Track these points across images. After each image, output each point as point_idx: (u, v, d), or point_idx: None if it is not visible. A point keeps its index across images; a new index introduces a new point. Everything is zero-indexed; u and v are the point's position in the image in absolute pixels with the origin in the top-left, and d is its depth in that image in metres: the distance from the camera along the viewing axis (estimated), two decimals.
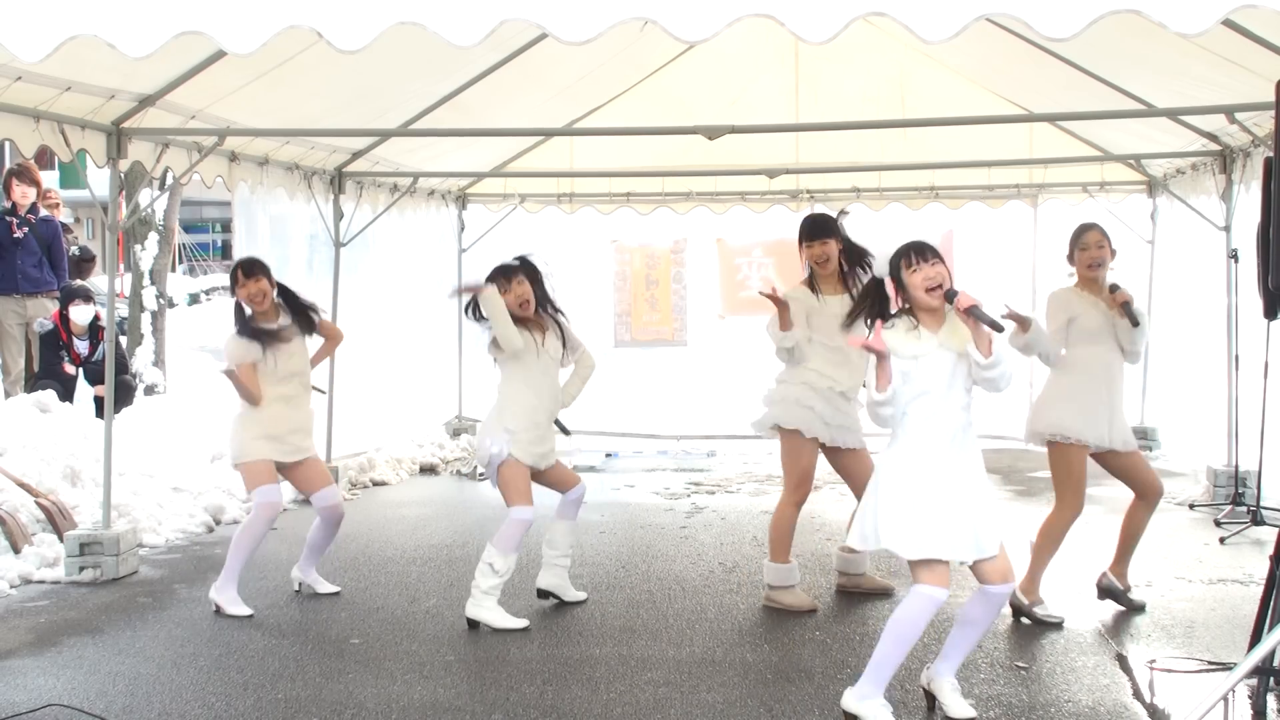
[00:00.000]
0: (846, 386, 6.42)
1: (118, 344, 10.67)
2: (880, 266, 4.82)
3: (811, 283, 6.50)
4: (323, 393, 7.01)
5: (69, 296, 10.33)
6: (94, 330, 10.38)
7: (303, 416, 6.55)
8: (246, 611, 6.30)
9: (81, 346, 10.38)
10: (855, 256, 6.41)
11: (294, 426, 6.47)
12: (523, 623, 6.00)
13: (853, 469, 6.44)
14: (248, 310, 6.40)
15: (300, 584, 6.77)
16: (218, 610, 6.31)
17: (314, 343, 6.71)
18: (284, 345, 6.40)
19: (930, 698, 4.82)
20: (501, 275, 6.09)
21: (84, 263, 11.30)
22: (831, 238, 6.40)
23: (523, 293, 6.09)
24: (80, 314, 10.28)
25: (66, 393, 10.02)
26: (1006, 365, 4.74)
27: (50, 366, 10.24)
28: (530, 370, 6.10)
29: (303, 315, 6.55)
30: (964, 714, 4.66)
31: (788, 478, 6.47)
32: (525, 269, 6.17)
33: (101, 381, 9.62)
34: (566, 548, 6.51)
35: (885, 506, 4.55)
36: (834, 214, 6.65)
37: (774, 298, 6.29)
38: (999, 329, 4.65)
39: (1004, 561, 4.59)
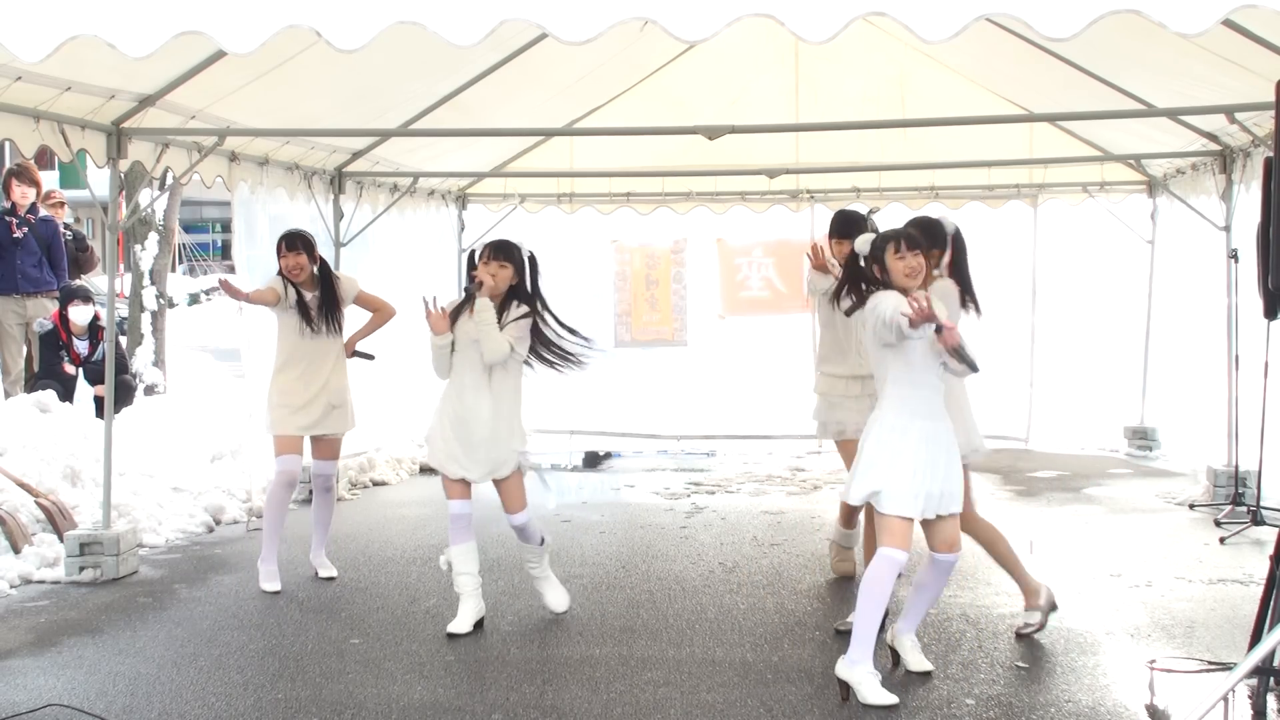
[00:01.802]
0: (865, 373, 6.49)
1: (118, 344, 10.67)
2: (861, 246, 5.19)
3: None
4: (371, 358, 7.16)
5: (68, 297, 10.34)
6: (94, 330, 10.38)
7: (320, 390, 6.84)
8: (273, 588, 6.75)
9: (81, 346, 10.38)
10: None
11: (310, 399, 6.82)
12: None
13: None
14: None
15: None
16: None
17: (362, 316, 7.18)
18: (310, 318, 6.81)
19: (895, 654, 5.36)
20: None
21: (81, 253, 11.26)
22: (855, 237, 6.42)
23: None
24: (80, 314, 10.28)
25: (67, 393, 10.02)
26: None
27: (50, 366, 10.24)
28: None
29: (328, 299, 6.89)
30: (922, 667, 5.28)
31: None
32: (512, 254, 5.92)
33: (101, 381, 9.62)
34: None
35: (876, 465, 5.00)
36: (864, 210, 6.73)
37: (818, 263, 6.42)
38: (975, 370, 4.98)
39: (954, 533, 5.10)
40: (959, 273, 5.66)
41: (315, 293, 6.88)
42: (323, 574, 7.07)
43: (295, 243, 6.84)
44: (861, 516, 6.81)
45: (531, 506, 6.16)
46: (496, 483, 6.03)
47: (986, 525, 5.83)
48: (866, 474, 5.03)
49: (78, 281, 10.97)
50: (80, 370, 10.39)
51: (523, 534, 6.14)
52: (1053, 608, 5.91)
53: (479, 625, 5.99)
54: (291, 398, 6.82)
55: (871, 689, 4.89)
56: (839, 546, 6.98)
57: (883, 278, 5.03)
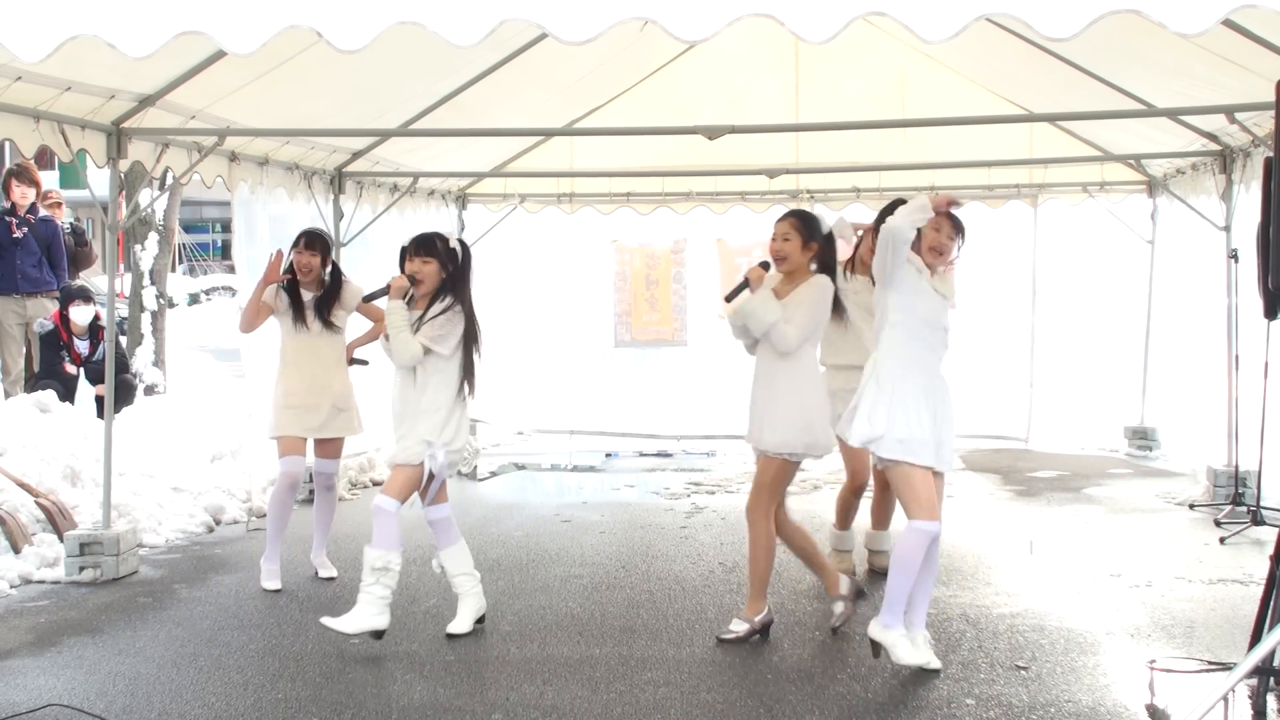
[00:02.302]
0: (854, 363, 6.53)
1: (118, 344, 10.67)
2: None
3: (852, 262, 6.80)
4: (365, 364, 7.16)
5: (69, 297, 10.34)
6: (94, 330, 10.38)
7: (324, 393, 6.84)
8: (274, 586, 6.78)
9: (82, 346, 10.39)
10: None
11: (314, 401, 6.82)
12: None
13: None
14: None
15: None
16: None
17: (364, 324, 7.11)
18: (308, 320, 6.80)
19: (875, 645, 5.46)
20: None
21: (80, 249, 11.26)
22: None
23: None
24: (80, 314, 10.28)
25: (68, 393, 10.02)
26: None
27: (51, 367, 10.24)
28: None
29: (325, 299, 6.85)
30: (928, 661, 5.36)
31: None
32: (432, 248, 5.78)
33: (103, 381, 9.62)
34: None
35: (878, 408, 5.20)
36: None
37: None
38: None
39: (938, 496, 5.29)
40: (828, 271, 5.82)
41: (315, 293, 6.87)
42: (323, 574, 7.08)
43: (313, 243, 6.87)
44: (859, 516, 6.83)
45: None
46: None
47: (795, 527, 5.90)
48: (869, 417, 5.22)
49: (78, 282, 10.97)
50: (81, 370, 10.39)
51: (376, 525, 5.75)
52: (858, 594, 6.02)
53: (480, 622, 5.98)
54: (294, 399, 6.82)
55: (904, 649, 5.22)
56: (835, 550, 6.98)
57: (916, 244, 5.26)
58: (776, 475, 5.73)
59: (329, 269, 6.92)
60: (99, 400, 10.08)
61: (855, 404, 5.34)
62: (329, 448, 7.01)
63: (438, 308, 5.69)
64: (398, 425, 5.82)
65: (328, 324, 6.87)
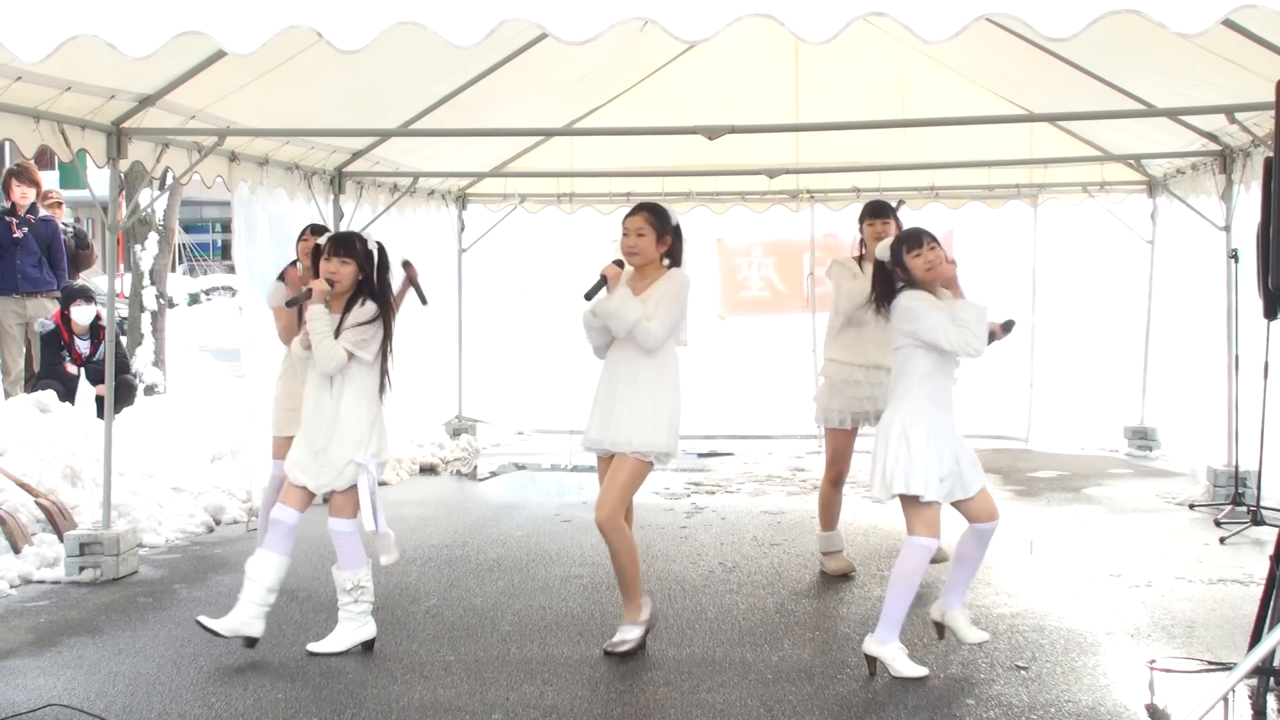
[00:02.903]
0: (875, 362, 6.62)
1: (118, 344, 10.67)
2: (881, 252, 5.47)
3: (861, 260, 6.80)
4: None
5: (70, 297, 10.34)
6: (95, 330, 10.38)
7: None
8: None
9: (83, 346, 10.39)
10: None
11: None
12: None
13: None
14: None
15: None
16: None
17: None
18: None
19: (940, 628, 5.55)
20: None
21: (81, 250, 11.26)
22: (892, 219, 6.69)
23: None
24: (81, 314, 10.28)
25: (68, 393, 10.02)
26: None
27: (52, 366, 10.24)
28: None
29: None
30: (976, 638, 5.43)
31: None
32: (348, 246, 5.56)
33: (103, 381, 9.62)
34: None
35: (907, 457, 5.16)
36: (892, 203, 6.92)
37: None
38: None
39: (985, 505, 5.32)
40: (677, 264, 5.71)
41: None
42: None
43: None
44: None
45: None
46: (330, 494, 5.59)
47: (627, 535, 5.60)
48: (893, 473, 5.19)
49: (79, 282, 10.97)
50: (82, 370, 10.39)
51: (340, 549, 5.58)
52: (650, 627, 5.70)
53: (368, 648, 5.63)
54: (296, 400, 6.76)
55: (902, 662, 5.21)
56: (824, 553, 7.01)
57: (905, 277, 5.32)
58: (636, 477, 5.53)
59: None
60: (99, 400, 10.08)
61: (881, 459, 5.22)
62: None
63: (361, 313, 5.48)
64: (311, 439, 5.53)
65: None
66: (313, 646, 5.59)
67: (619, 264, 5.51)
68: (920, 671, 5.19)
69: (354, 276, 5.50)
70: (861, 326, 6.68)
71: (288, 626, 6.08)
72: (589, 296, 5.48)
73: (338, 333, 5.46)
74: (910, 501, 5.20)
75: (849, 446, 6.95)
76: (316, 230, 6.81)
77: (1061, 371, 11.93)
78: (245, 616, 5.51)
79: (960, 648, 5.66)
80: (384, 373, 5.63)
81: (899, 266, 5.34)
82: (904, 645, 5.26)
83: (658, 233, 5.52)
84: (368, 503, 5.57)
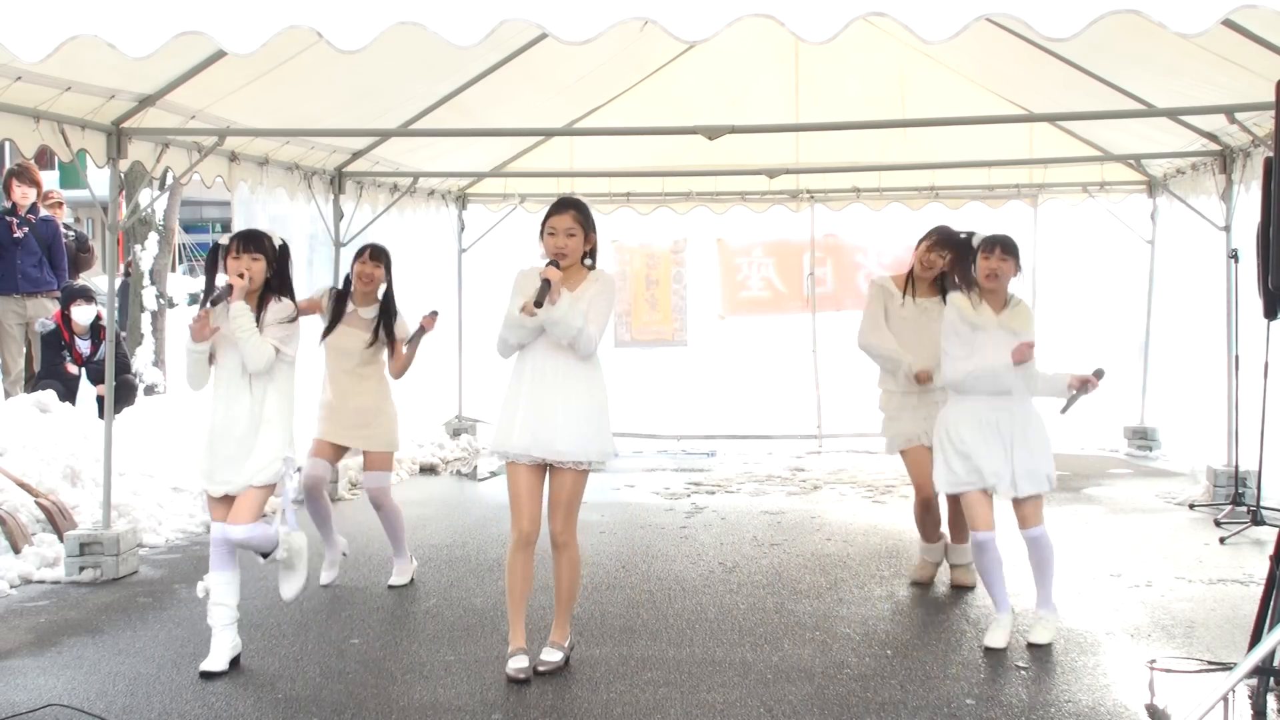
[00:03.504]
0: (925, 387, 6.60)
1: (119, 344, 10.66)
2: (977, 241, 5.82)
3: (910, 279, 6.72)
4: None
5: (70, 297, 10.33)
6: (96, 330, 10.38)
7: (354, 405, 6.78)
8: (326, 579, 6.79)
9: (83, 346, 10.38)
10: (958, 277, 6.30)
11: (350, 409, 6.77)
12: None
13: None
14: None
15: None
16: None
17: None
18: (346, 328, 6.74)
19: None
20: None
21: (82, 253, 11.26)
22: (951, 254, 6.39)
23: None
24: (82, 314, 10.28)
25: (69, 393, 10.02)
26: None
27: (52, 366, 10.24)
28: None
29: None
30: (1043, 639, 5.71)
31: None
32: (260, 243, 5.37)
33: (104, 381, 9.62)
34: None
35: (954, 453, 5.71)
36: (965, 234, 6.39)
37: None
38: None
39: (1031, 511, 5.74)
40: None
41: (371, 309, 6.83)
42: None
43: (380, 255, 6.86)
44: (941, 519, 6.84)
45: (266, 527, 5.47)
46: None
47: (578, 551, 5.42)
48: (941, 468, 5.82)
49: (80, 281, 10.97)
50: (83, 370, 10.39)
51: (244, 548, 5.41)
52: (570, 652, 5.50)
53: (235, 663, 5.44)
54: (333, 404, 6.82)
55: (994, 633, 5.69)
56: (923, 560, 6.92)
57: (961, 272, 5.82)
58: (582, 488, 5.29)
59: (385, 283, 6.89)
60: (100, 400, 10.08)
61: (935, 457, 5.90)
62: (373, 460, 6.86)
63: (281, 310, 5.35)
64: (224, 445, 5.31)
65: (376, 344, 6.83)
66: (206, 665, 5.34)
67: (555, 265, 5.16)
68: (999, 643, 5.63)
69: (265, 273, 5.33)
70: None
71: (287, 626, 6.09)
72: (538, 304, 5.03)
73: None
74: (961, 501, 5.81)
75: (925, 465, 6.48)
76: (376, 254, 6.83)
77: (1062, 372, 11.92)
78: (229, 638, 5.41)
79: (961, 648, 5.66)
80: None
81: (969, 257, 5.74)
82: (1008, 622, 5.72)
83: (585, 231, 5.24)
84: (289, 501, 5.58)
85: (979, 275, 5.67)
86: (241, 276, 5.25)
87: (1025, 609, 6.04)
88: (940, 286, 6.63)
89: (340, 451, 6.94)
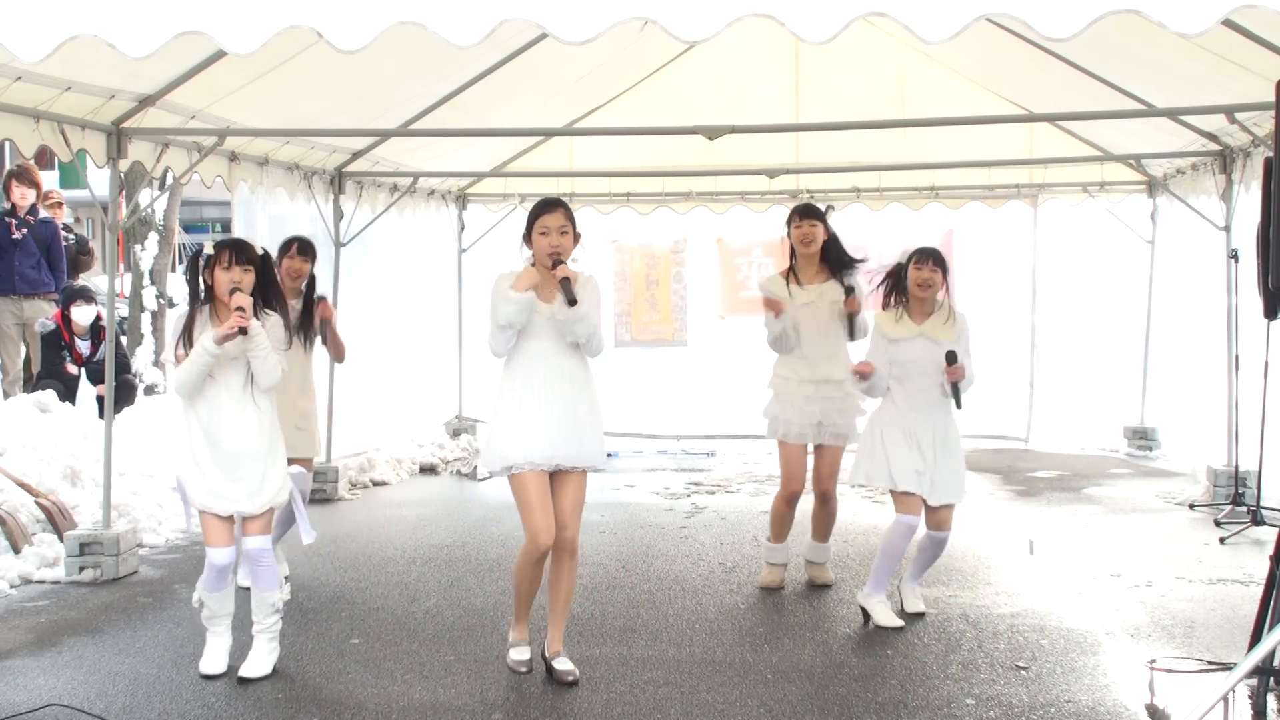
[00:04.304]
0: (812, 377, 6.57)
1: (119, 344, 10.66)
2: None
3: (791, 270, 6.67)
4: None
5: (70, 297, 10.34)
6: (96, 330, 10.38)
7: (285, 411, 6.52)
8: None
9: (83, 346, 10.39)
10: (836, 254, 6.61)
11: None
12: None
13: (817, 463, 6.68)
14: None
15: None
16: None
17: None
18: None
19: (866, 615, 6.08)
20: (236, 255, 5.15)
21: (82, 255, 11.26)
22: (820, 221, 6.58)
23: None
24: (82, 314, 10.28)
25: (69, 393, 10.02)
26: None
27: (52, 367, 10.25)
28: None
29: (307, 315, 6.65)
30: (915, 609, 6.16)
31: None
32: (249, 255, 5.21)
33: (104, 381, 9.62)
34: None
35: (884, 452, 5.93)
36: (821, 206, 6.79)
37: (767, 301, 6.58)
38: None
39: (945, 517, 6.00)
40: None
41: (295, 304, 6.57)
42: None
43: (307, 249, 6.69)
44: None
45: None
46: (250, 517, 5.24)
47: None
48: (861, 462, 6.07)
49: (80, 282, 10.96)
50: (82, 370, 10.39)
51: (267, 569, 5.28)
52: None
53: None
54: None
55: (884, 614, 5.98)
56: (767, 563, 6.87)
57: (895, 282, 6.05)
58: (584, 490, 5.25)
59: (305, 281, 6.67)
60: (100, 400, 10.08)
61: (859, 450, 6.13)
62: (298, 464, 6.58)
63: (274, 326, 5.22)
64: (233, 462, 5.16)
65: (307, 343, 6.62)
66: (245, 672, 5.24)
67: (555, 263, 5.07)
68: (897, 623, 5.94)
69: (253, 284, 5.15)
70: (803, 337, 6.59)
71: (288, 626, 6.08)
72: (573, 304, 5.00)
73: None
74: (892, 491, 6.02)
75: (801, 463, 6.63)
76: (304, 248, 6.66)
77: (1061, 371, 11.94)
78: (226, 641, 5.38)
79: (961, 648, 5.66)
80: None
81: (900, 269, 5.99)
82: (887, 601, 6.04)
83: (574, 230, 5.16)
84: (303, 512, 5.53)
85: (910, 284, 5.94)
86: (240, 306, 5.03)
87: (1023, 610, 6.02)
88: (828, 267, 6.59)
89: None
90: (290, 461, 6.21)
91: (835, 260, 6.60)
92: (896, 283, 6.04)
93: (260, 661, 5.29)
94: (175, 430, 5.37)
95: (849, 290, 6.46)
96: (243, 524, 5.24)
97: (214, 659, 5.34)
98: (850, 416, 6.56)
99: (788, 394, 6.64)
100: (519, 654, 5.32)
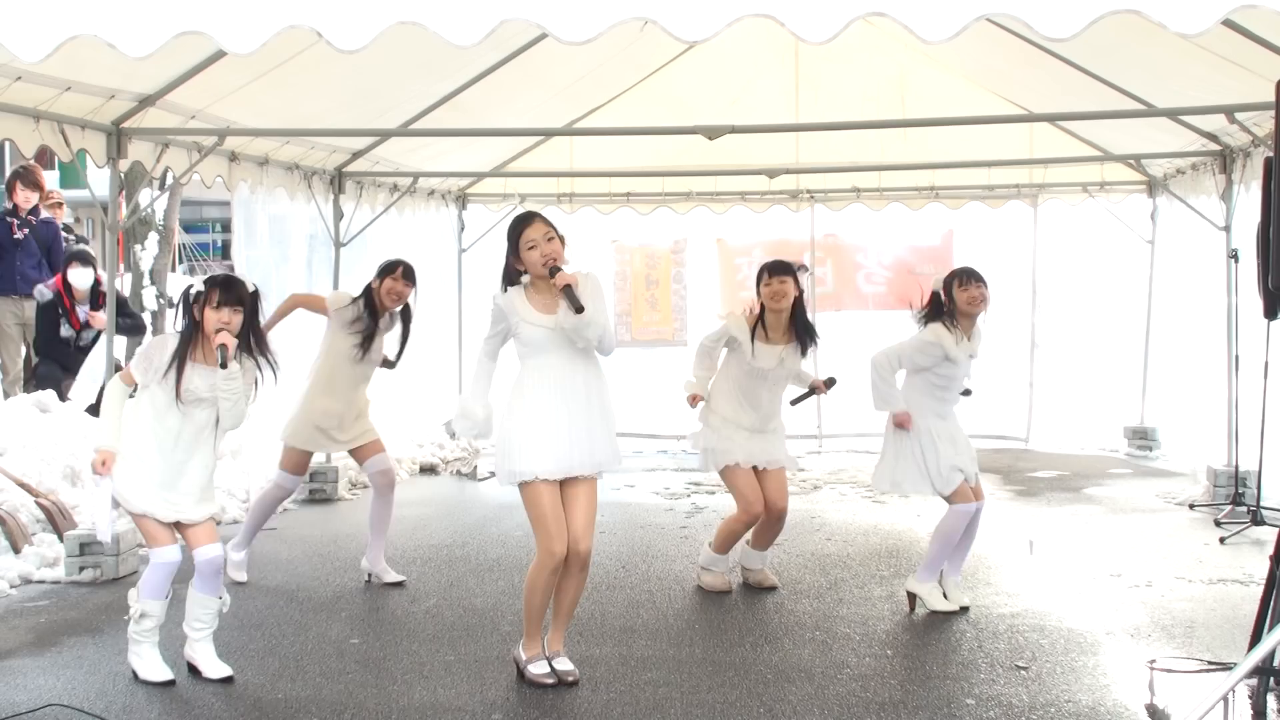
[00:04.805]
0: (752, 426, 6.62)
1: (122, 300, 10.39)
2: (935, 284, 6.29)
3: (760, 323, 6.57)
4: (392, 367, 7.15)
5: (68, 259, 10.16)
6: (95, 295, 10.16)
7: (349, 409, 6.91)
8: (243, 578, 6.80)
9: (82, 312, 10.23)
10: (802, 315, 6.62)
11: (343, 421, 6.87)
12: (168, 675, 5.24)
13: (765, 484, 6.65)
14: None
15: (370, 575, 6.97)
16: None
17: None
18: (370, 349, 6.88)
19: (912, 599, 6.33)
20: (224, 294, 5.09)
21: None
22: (791, 277, 6.52)
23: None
24: (79, 277, 10.05)
25: (68, 369, 9.90)
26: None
27: (49, 343, 10.03)
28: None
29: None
30: (958, 604, 6.27)
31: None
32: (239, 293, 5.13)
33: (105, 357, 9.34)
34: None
35: (922, 460, 6.21)
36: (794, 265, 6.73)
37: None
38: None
39: (980, 488, 6.31)
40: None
41: (386, 326, 6.90)
42: (389, 579, 6.91)
43: (411, 275, 6.88)
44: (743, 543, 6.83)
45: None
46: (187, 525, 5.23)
47: None
48: (887, 470, 6.34)
49: (79, 245, 10.80)
50: (82, 334, 10.15)
51: (206, 576, 5.25)
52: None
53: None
54: (329, 420, 6.81)
55: (937, 599, 6.23)
56: (703, 568, 6.82)
57: (948, 307, 6.19)
58: (596, 495, 5.21)
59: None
60: (98, 397, 9.98)
61: (893, 460, 6.33)
62: (371, 448, 6.95)
63: (247, 373, 5.17)
64: (181, 479, 5.21)
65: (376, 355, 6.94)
66: (217, 674, 5.24)
67: (553, 270, 5.04)
68: (950, 607, 6.19)
69: (239, 325, 5.09)
70: (739, 381, 6.60)
71: (288, 626, 6.09)
72: (579, 310, 4.96)
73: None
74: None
75: (757, 488, 6.64)
76: (407, 272, 6.85)
77: (1061, 371, 11.94)
78: (157, 653, 5.30)
79: (961, 648, 5.67)
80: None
81: (946, 295, 6.19)
82: (938, 586, 6.26)
83: (557, 233, 5.10)
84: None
85: (960, 304, 6.16)
86: (223, 344, 5.00)
87: (1023, 610, 6.02)
88: (794, 327, 6.57)
89: (309, 456, 7.03)
90: (369, 449, 6.82)
91: (801, 322, 6.57)
92: (935, 306, 6.22)
93: (217, 661, 5.28)
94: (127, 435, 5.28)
95: (830, 382, 6.70)
96: (189, 534, 5.21)
97: (159, 666, 5.24)
98: (783, 446, 6.73)
99: (728, 432, 6.61)
100: (538, 668, 5.20)
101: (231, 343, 5.02)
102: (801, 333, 6.60)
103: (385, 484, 6.95)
